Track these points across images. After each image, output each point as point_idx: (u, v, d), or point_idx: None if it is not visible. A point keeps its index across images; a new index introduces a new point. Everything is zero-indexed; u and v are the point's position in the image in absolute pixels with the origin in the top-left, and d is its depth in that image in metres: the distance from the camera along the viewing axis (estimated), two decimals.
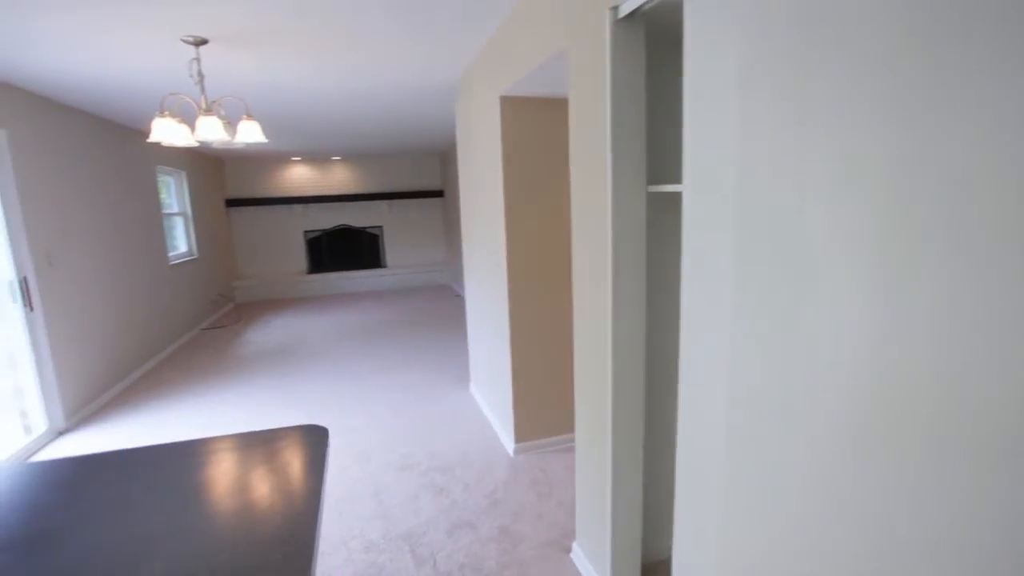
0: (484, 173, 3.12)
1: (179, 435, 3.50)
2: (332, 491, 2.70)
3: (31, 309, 3.47)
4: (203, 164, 7.35)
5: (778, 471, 0.97)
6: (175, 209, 6.55)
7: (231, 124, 2.79)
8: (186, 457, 1.34)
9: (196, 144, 2.77)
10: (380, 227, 9.36)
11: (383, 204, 9.18)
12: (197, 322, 6.56)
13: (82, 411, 3.87)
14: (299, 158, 8.61)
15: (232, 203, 8.50)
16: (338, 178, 9.02)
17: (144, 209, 5.29)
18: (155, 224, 5.56)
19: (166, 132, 2.55)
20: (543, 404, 3.01)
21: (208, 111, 2.51)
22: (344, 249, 9.27)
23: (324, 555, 2.19)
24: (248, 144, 2.79)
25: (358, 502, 2.59)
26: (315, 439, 1.40)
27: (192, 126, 3.14)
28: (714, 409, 1.12)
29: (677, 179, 1.56)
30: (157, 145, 5.69)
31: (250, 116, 2.68)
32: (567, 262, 2.87)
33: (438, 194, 9.25)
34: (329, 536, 2.32)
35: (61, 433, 3.65)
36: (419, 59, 3.09)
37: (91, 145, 4.27)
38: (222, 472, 1.27)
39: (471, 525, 2.36)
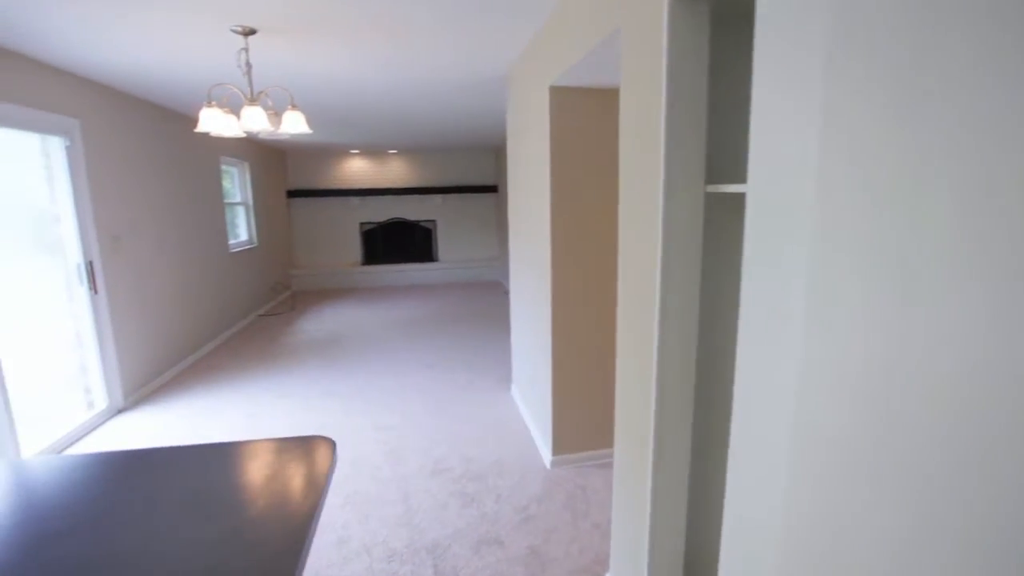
0: (532, 168, 2.97)
1: (223, 420, 3.56)
2: (362, 491, 2.64)
3: (95, 292, 3.61)
4: (266, 156, 7.57)
5: (859, 525, 0.77)
6: (237, 199, 6.78)
7: (277, 115, 2.77)
8: (183, 462, 1.26)
9: (243, 134, 2.77)
10: (433, 221, 9.40)
11: (437, 198, 9.20)
12: (254, 308, 6.77)
13: (140, 391, 4.03)
14: (357, 151, 8.75)
15: (293, 194, 8.75)
16: (394, 171, 9.10)
17: (207, 198, 5.48)
18: (217, 213, 5.75)
19: (213, 122, 2.55)
20: (584, 415, 2.84)
21: (253, 101, 2.49)
22: (398, 242, 9.36)
23: (346, 561, 2.12)
24: (293, 135, 2.76)
25: (386, 505, 2.51)
26: (320, 456, 1.29)
27: (239, 116, 3.16)
28: (775, 439, 0.93)
29: (740, 178, 1.35)
30: (221, 137, 5.88)
31: (295, 106, 2.65)
32: (615, 265, 2.67)
33: (492, 189, 9.18)
34: (352, 540, 2.25)
35: (120, 411, 3.80)
36: (468, 49, 2.96)
37: (157, 135, 4.43)
38: (215, 484, 1.18)
39: (499, 542, 2.22)
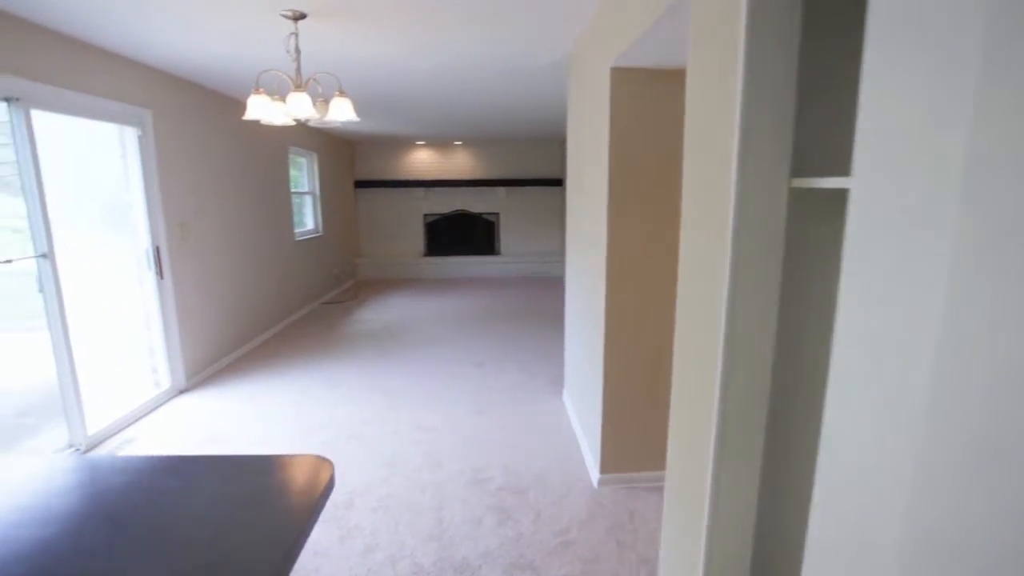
0: (590, 159, 2.73)
1: (271, 408, 3.58)
2: (396, 495, 2.52)
3: (161, 277, 3.73)
4: (334, 146, 7.72)
5: None
6: (305, 188, 6.94)
7: (327, 102, 2.68)
8: (163, 478, 1.15)
9: (292, 122, 2.71)
10: (496, 214, 9.28)
11: (501, 190, 9.07)
12: (317, 296, 6.92)
13: (201, 373, 4.15)
14: (423, 142, 8.76)
15: (360, 184, 8.90)
16: (459, 163, 9.05)
17: (274, 187, 5.61)
18: (284, 202, 5.88)
19: (260, 109, 2.49)
20: (637, 431, 2.58)
21: (300, 87, 2.41)
22: (460, 234, 9.33)
23: (369, 573, 2.00)
24: (344, 123, 2.67)
25: (419, 514, 2.38)
26: (314, 480, 1.14)
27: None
28: (895, 468, 0.68)
29: (838, 170, 1.07)
30: (290, 127, 6.00)
31: (343, 93, 2.55)
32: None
33: (557, 183, 8.93)
34: (379, 549, 2.13)
35: (182, 391, 3.93)
36: (527, 31, 2.76)
37: (225, 124, 4.54)
38: (193, 507, 1.06)
39: (533, 568, 2.03)
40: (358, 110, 5.22)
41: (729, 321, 1.14)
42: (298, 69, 2.53)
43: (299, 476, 1.14)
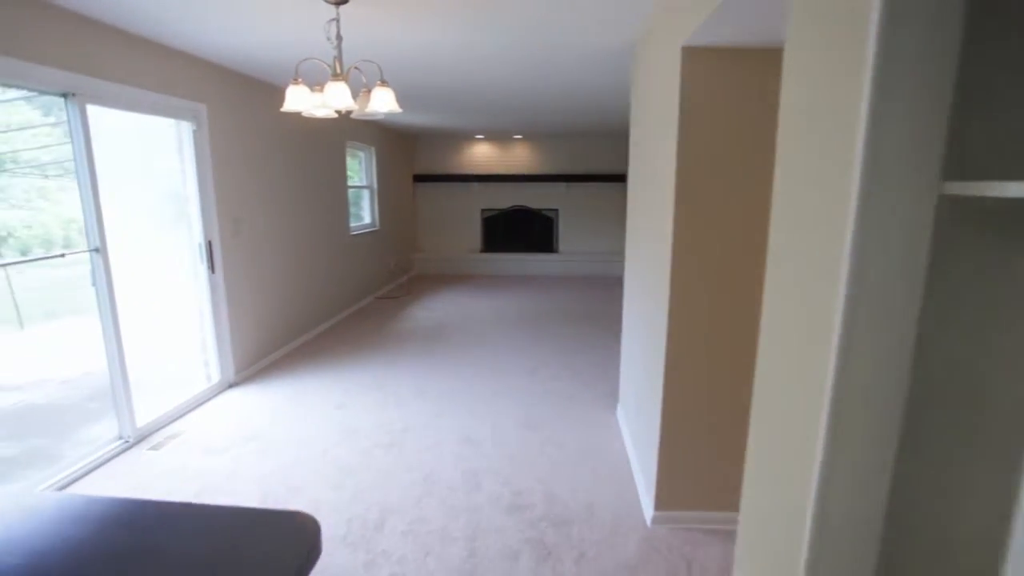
0: (654, 149, 2.42)
1: (314, 407, 3.50)
2: (428, 519, 2.34)
3: (213, 271, 3.74)
4: (394, 140, 7.68)
5: None
6: (363, 182, 6.93)
7: (369, 91, 2.51)
8: (121, 530, 0.98)
9: (334, 114, 2.56)
10: (556, 210, 8.99)
11: (561, 186, 8.77)
12: (372, 290, 6.92)
13: (250, 368, 4.16)
14: (482, 136, 8.60)
15: (419, 178, 8.87)
16: (518, 157, 8.83)
17: (330, 181, 5.59)
18: (339, 196, 5.87)
19: (299, 100, 2.35)
20: (701, 464, 2.26)
21: (338, 76, 2.24)
22: (518, 230, 9.11)
23: None
24: (386, 113, 2.49)
25: (451, 543, 2.18)
26: (291, 550, 0.93)
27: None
28: None
29: (1005, 174, 0.74)
30: (348, 121, 5.98)
31: (384, 83, 2.37)
32: (759, 278, 2.05)
33: (619, 179, 8.52)
34: None
35: (231, 386, 3.94)
36: (593, 8, 2.47)
37: (280, 118, 4.51)
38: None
39: None
40: (407, 102, 5.09)
41: (846, 344, 0.83)
42: (339, 57, 2.37)
43: (277, 539, 0.94)
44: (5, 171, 2.80)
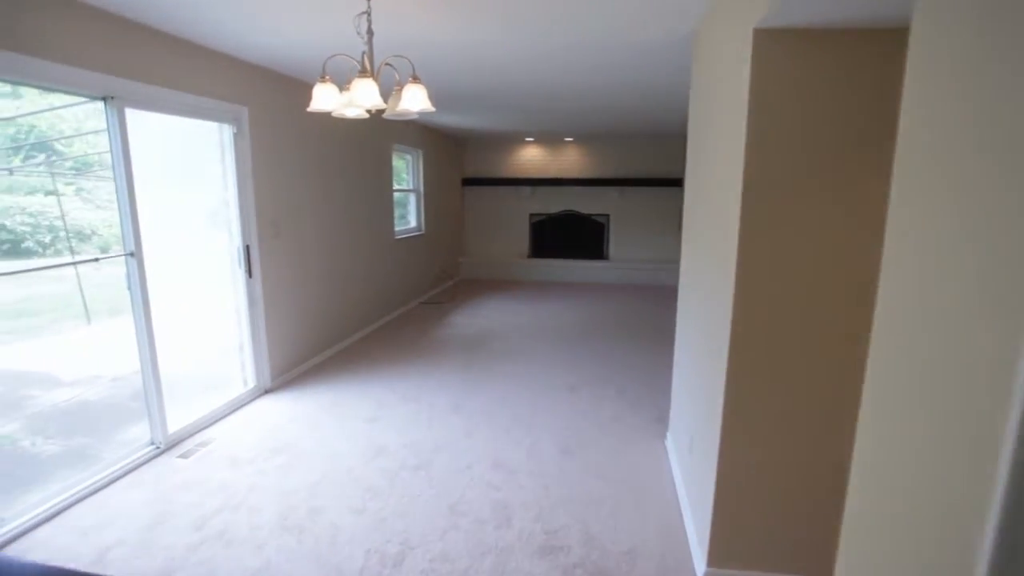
0: (716, 149, 2.13)
1: (345, 419, 3.38)
2: (452, 557, 2.12)
3: (250, 276, 3.69)
4: (441, 143, 7.59)
5: None
6: (409, 186, 6.86)
7: (401, 90, 2.34)
8: None
9: (365, 114, 2.40)
10: (607, 216, 8.66)
11: (613, 191, 8.43)
12: (416, 295, 6.82)
13: (287, 374, 4.10)
14: (532, 139, 8.39)
15: (468, 182, 8.75)
16: (569, 160, 8.56)
17: (374, 184, 5.52)
18: (384, 199, 5.79)
19: (327, 99, 2.20)
20: (767, 520, 1.94)
21: (365, 72, 2.07)
22: (567, 236, 8.84)
23: None
24: (420, 112, 2.31)
25: None
26: None
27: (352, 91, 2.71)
28: None
29: None
30: (396, 125, 5.90)
31: (417, 79, 2.19)
32: (849, 298, 1.72)
33: (676, 183, 8.09)
34: None
35: (266, 392, 3.88)
36: None
37: (324, 120, 4.45)
38: None
39: None
40: (449, 103, 4.94)
41: None
42: (369, 52, 2.21)
43: None
44: (92, 174, 2.91)
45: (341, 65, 2.33)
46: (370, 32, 2.22)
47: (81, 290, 3.15)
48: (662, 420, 3.41)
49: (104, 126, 2.69)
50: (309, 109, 2.22)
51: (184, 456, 2.96)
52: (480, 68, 3.58)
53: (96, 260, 2.73)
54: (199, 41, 3.05)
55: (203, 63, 3.15)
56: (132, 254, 2.82)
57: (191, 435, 3.19)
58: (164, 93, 2.91)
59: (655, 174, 8.25)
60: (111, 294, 3.10)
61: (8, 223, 4.00)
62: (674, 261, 8.46)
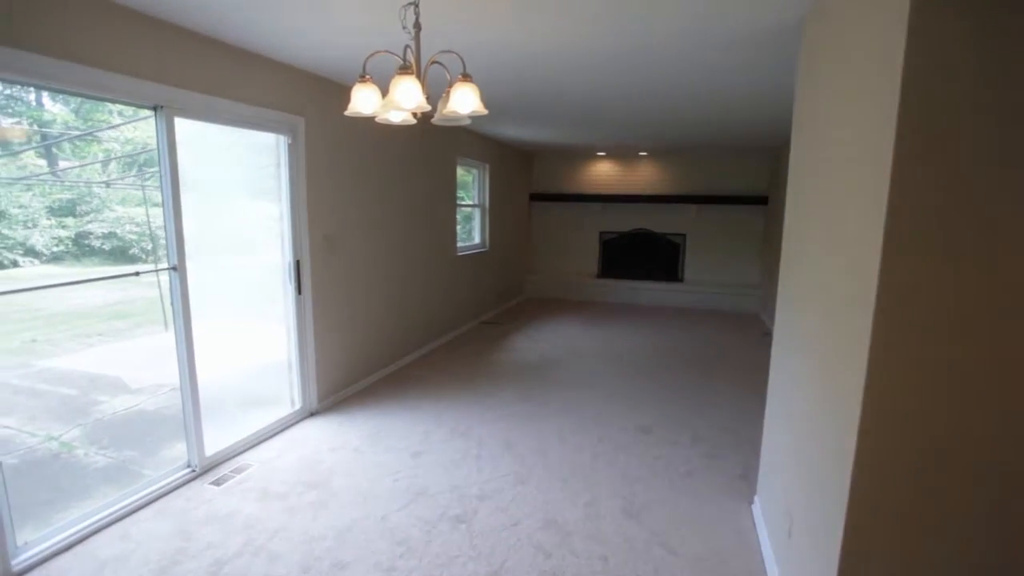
0: (839, 156, 1.67)
1: (389, 452, 3.10)
2: None
3: (299, 293, 3.53)
4: (509, 157, 7.34)
5: None
6: (474, 201, 6.65)
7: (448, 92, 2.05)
8: None
9: (411, 119, 2.13)
10: (683, 235, 8.06)
11: (690, 208, 7.83)
12: (478, 314, 6.56)
13: (335, 396, 3.91)
14: (603, 153, 7.98)
15: (535, 197, 8.45)
16: (642, 176, 8.06)
17: (436, 199, 5.32)
18: (447, 215, 5.58)
19: (366, 102, 1.95)
20: None
21: (406, 69, 1.79)
22: (639, 256, 8.31)
23: None
24: (471, 115, 2.01)
25: None
26: None
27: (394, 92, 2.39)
28: None
29: None
30: (460, 137, 5.71)
31: (467, 77, 1.89)
32: None
33: (760, 201, 7.40)
34: None
35: (312, 414, 3.70)
36: None
37: (384, 131, 4.28)
38: None
39: None
40: (513, 114, 4.63)
41: None
42: (416, 49, 1.94)
43: None
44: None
45: (386, 64, 2.07)
46: (417, 26, 1.96)
47: (161, 297, 3.11)
48: (748, 478, 2.88)
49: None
50: (346, 113, 1.97)
51: (217, 483, 2.79)
52: (548, 75, 3.27)
53: (136, 274, 2.62)
54: (252, 48, 2.93)
55: (257, 72, 3.04)
56: (175, 268, 2.70)
57: (229, 459, 3.03)
58: (216, 103, 2.80)
59: (736, 191, 7.58)
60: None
61: (119, 231, 4.15)
62: (755, 285, 7.73)
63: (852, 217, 1.50)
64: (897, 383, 1.31)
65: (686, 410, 3.85)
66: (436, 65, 2.04)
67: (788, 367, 2.22)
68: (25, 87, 2.48)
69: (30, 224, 4.37)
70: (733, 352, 5.47)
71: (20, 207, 4.28)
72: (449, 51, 2.00)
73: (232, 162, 3.28)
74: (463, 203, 6.34)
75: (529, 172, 8.39)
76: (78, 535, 2.32)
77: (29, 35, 2.00)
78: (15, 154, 3.74)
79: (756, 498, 2.63)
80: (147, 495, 2.61)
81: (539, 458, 3.09)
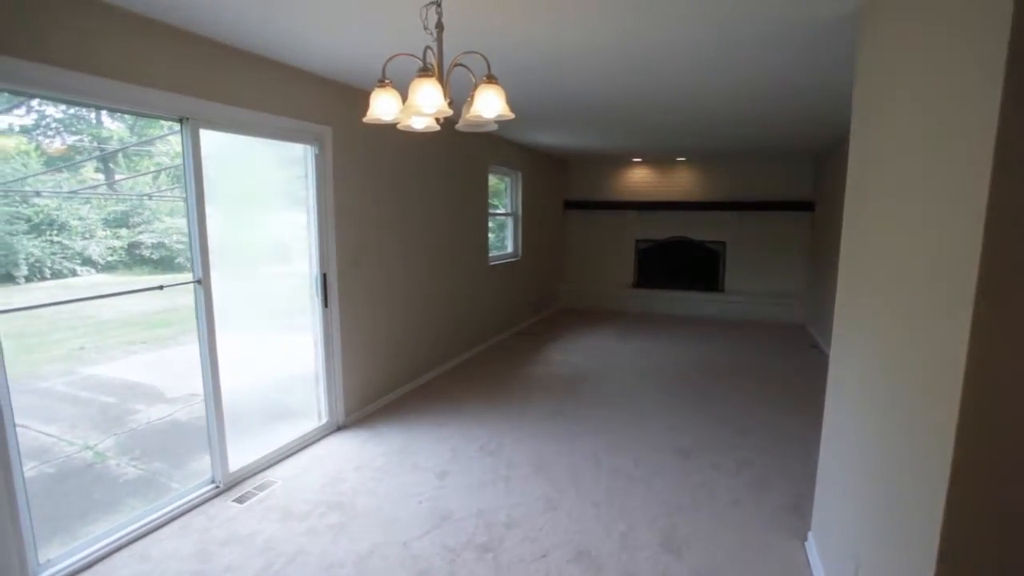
0: (914, 150, 1.46)
1: (415, 471, 2.99)
2: None
3: (326, 306, 3.47)
4: (543, 164, 7.21)
5: None
6: (507, 209, 6.54)
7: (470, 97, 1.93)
8: None
9: (435, 125, 2.02)
10: (722, 243, 7.75)
11: (731, 215, 7.53)
12: (510, 325, 6.43)
13: (362, 410, 3.83)
14: (639, 159, 7.76)
15: (569, 205, 8.29)
16: (680, 182, 7.80)
17: (467, 208, 5.23)
18: (478, 223, 5.49)
19: (385, 108, 1.85)
20: None
21: (426, 72, 1.68)
22: (677, 264, 8.03)
23: None
24: (496, 119, 1.88)
25: None
26: None
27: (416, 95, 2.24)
28: None
29: None
30: (492, 144, 5.61)
31: (492, 79, 1.76)
32: None
33: (806, 207, 7.04)
34: None
35: (339, 428, 3.63)
36: None
37: (412, 139, 4.21)
38: None
39: None
40: (551, 116, 4.48)
41: None
42: (438, 51, 1.83)
43: None
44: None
45: (408, 68, 1.96)
46: (440, 26, 1.85)
47: (197, 306, 3.09)
48: (800, 511, 2.63)
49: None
50: (365, 120, 1.88)
51: (240, 500, 2.72)
52: (581, 75, 3.12)
53: (160, 288, 2.59)
54: (277, 57, 2.89)
55: (283, 81, 3.00)
56: (199, 282, 2.66)
57: (253, 474, 2.97)
58: (242, 114, 2.77)
59: (779, 197, 7.24)
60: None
61: (167, 241, 4.25)
62: (799, 295, 7.35)
63: (937, 216, 1.30)
64: (999, 415, 1.10)
65: (730, 432, 3.61)
66: (460, 68, 1.92)
67: (850, 388, 1.99)
68: (87, 107, 2.52)
69: (87, 235, 4.52)
70: (778, 366, 5.16)
71: (79, 219, 4.43)
72: (473, 52, 1.87)
73: (262, 172, 3.25)
74: (495, 211, 6.24)
75: (563, 179, 8.24)
76: (100, 552, 2.28)
77: (59, 50, 1.98)
78: (76, 168, 3.89)
79: (810, 535, 2.38)
80: (170, 512, 2.56)
81: (571, 482, 2.92)
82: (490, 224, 6.20)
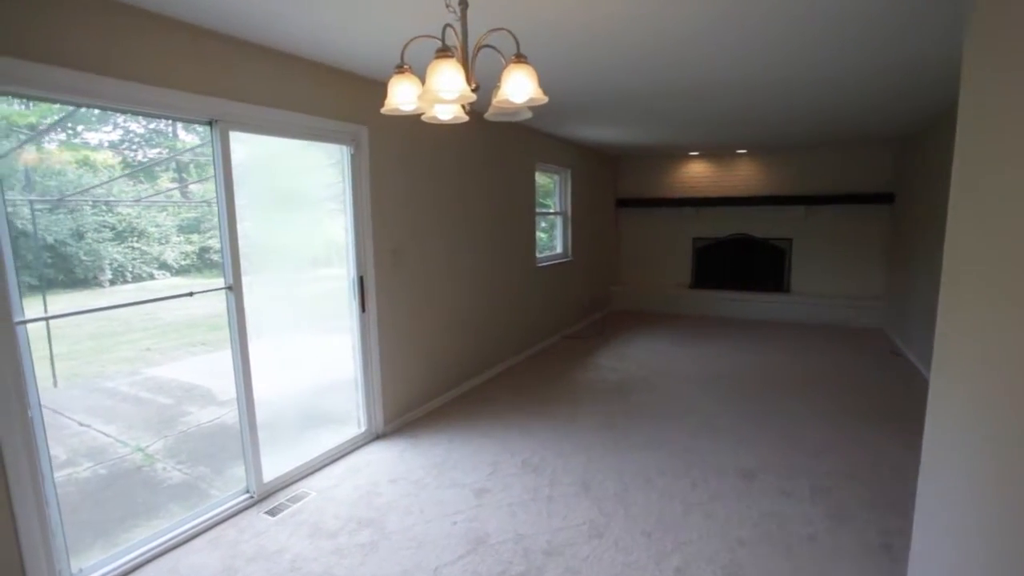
0: None
1: (454, 487, 2.81)
2: None
3: (363, 310, 3.36)
4: (592, 161, 6.92)
5: None
6: (556, 208, 6.30)
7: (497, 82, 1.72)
8: None
9: (463, 116, 1.83)
10: (789, 240, 7.19)
11: (798, 210, 6.97)
12: (560, 328, 6.18)
13: (402, 418, 3.70)
14: (696, 153, 7.33)
15: (622, 203, 7.95)
16: (741, 175, 7.30)
17: (514, 207, 5.03)
18: (525, 223, 5.28)
19: (404, 96, 1.67)
20: None
21: (445, 53, 1.49)
22: (738, 264, 7.53)
23: None
24: (527, 105, 1.67)
25: None
26: None
27: (432, 77, 1.97)
28: None
29: None
30: (538, 141, 5.40)
31: (521, 58, 1.55)
32: None
33: (884, 199, 6.40)
34: None
35: (378, 437, 3.52)
36: None
37: (454, 137, 4.06)
38: None
39: None
40: (589, 111, 4.17)
41: None
42: (462, 32, 1.63)
43: None
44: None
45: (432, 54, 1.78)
46: (463, 4, 1.65)
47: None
48: (892, 551, 2.26)
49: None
50: (383, 111, 1.70)
51: (272, 512, 2.64)
52: (637, 63, 2.86)
53: (191, 295, 2.54)
54: (307, 55, 2.79)
55: (315, 80, 2.91)
56: (231, 288, 2.59)
57: (287, 485, 2.89)
58: (273, 114, 2.69)
59: (852, 189, 6.62)
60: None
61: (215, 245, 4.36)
62: (876, 296, 6.69)
63: None
64: None
65: (802, 452, 3.23)
66: (488, 50, 1.72)
67: (964, 410, 1.64)
68: (120, 113, 2.52)
69: (163, 241, 4.70)
70: (854, 376, 4.66)
71: (156, 226, 4.60)
72: (500, 28, 1.66)
73: (298, 174, 3.18)
74: (544, 211, 6.02)
75: (615, 177, 7.91)
76: (130, 564, 2.23)
77: (84, 55, 1.93)
78: (154, 178, 4.02)
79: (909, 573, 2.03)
80: (203, 522, 2.51)
81: (619, 504, 2.66)
82: (542, 224, 5.98)
